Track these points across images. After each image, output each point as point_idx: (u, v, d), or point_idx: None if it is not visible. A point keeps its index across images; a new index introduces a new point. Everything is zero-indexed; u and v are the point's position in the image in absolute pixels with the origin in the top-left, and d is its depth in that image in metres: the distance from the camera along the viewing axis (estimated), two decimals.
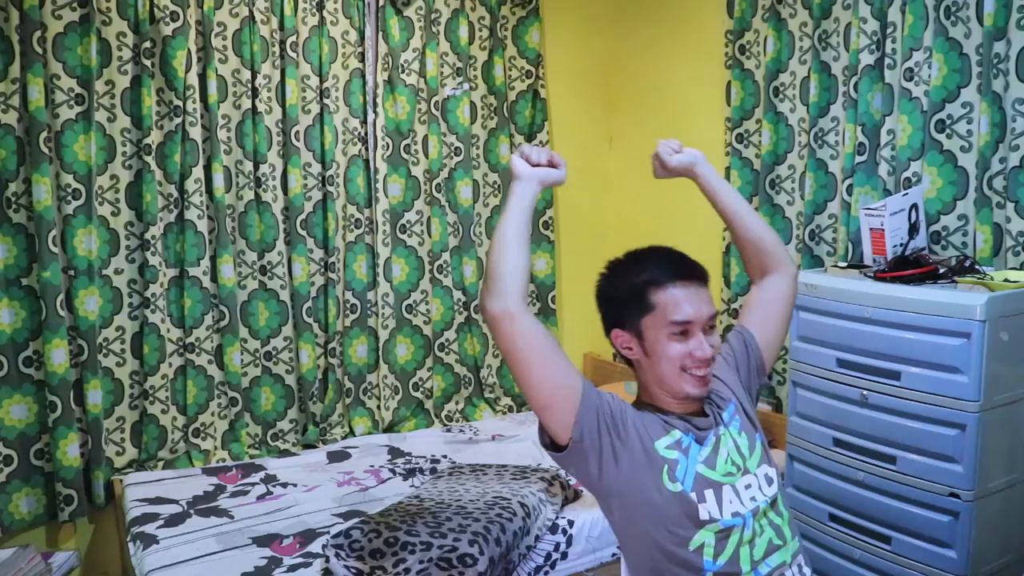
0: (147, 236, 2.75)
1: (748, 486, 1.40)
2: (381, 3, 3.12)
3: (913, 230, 2.22)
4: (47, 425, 2.61)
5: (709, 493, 1.36)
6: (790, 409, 2.43)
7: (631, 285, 1.43)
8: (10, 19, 2.48)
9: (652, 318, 1.39)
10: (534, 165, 1.46)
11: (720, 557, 1.34)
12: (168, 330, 2.85)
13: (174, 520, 2.35)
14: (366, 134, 3.16)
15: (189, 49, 2.75)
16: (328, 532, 2.25)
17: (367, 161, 3.17)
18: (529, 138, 3.50)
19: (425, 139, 3.25)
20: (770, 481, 1.43)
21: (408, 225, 3.25)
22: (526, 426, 3.22)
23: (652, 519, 1.36)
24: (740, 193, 1.66)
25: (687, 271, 1.43)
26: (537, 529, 2.26)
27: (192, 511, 2.42)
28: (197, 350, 2.88)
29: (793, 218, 2.80)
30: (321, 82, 3.03)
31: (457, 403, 3.42)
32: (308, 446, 3.09)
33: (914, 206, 2.22)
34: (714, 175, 1.66)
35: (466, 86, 3.31)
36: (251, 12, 2.87)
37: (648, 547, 1.37)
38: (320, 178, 3.07)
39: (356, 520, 2.21)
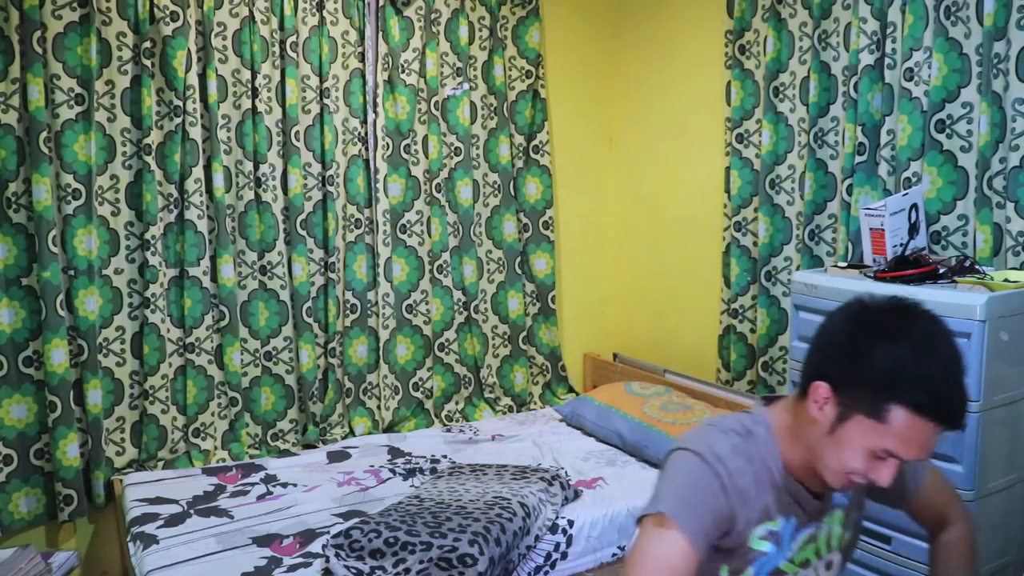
0: (147, 236, 2.75)
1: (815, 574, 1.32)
2: (381, 3, 3.12)
3: (913, 230, 2.22)
4: (47, 425, 2.61)
5: (789, 570, 1.29)
6: None
7: (887, 379, 1.10)
8: (10, 19, 2.48)
9: (873, 426, 1.12)
10: None
11: None
12: (168, 330, 2.85)
13: (174, 520, 2.35)
14: (366, 134, 3.16)
15: (189, 49, 2.75)
16: (328, 532, 2.25)
17: (367, 161, 3.17)
18: (529, 138, 3.51)
19: (425, 139, 3.25)
20: (829, 567, 1.34)
21: (408, 225, 3.26)
22: (526, 426, 3.23)
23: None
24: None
25: (949, 416, 1.12)
26: (537, 529, 2.26)
27: (192, 511, 2.42)
28: (197, 350, 2.88)
29: (793, 218, 2.80)
30: (321, 82, 3.03)
31: (457, 403, 3.42)
32: (308, 446, 3.09)
33: (914, 206, 2.22)
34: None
35: (466, 86, 3.31)
36: (251, 12, 2.87)
37: None
38: (320, 178, 3.07)
39: (356, 520, 2.21)
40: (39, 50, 2.52)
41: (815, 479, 1.25)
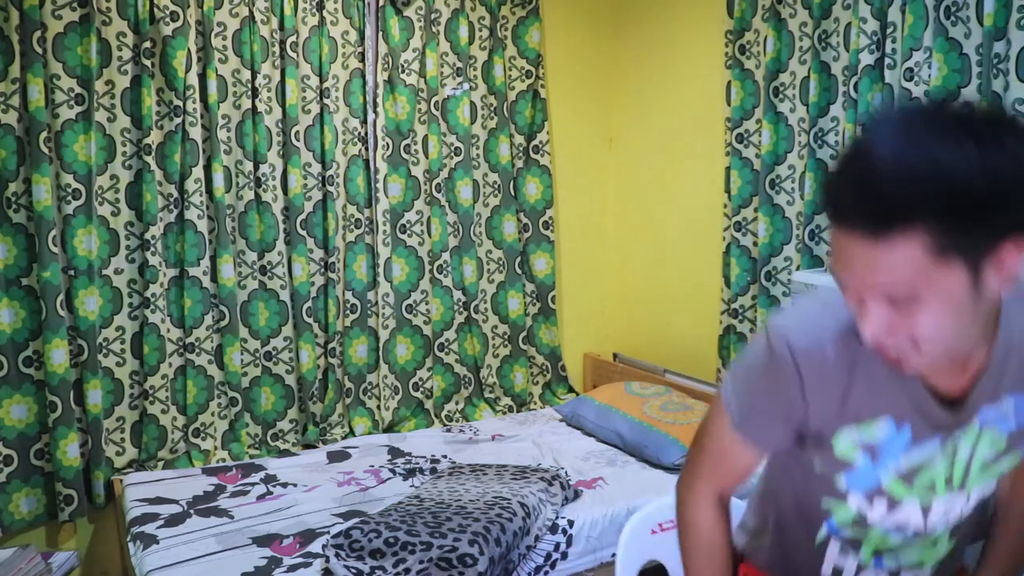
0: (147, 236, 2.75)
1: (952, 506, 1.09)
2: (381, 3, 3.12)
3: None
4: (47, 425, 2.61)
5: (879, 502, 1.08)
6: None
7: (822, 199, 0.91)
8: (10, 19, 2.48)
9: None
10: None
11: (849, 530, 1.13)
12: (168, 330, 2.85)
13: (174, 520, 2.35)
14: (366, 134, 3.16)
15: (189, 49, 2.75)
16: (328, 532, 2.25)
17: (367, 161, 3.17)
18: (529, 138, 3.51)
19: (425, 139, 3.25)
20: (981, 502, 1.13)
21: (408, 225, 3.26)
22: (526, 426, 3.23)
23: (795, 475, 1.16)
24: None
25: (835, 210, 0.87)
26: (537, 529, 2.26)
27: (192, 511, 2.42)
28: (197, 350, 2.88)
29: (793, 218, 2.80)
30: (321, 82, 3.03)
31: (457, 403, 3.42)
32: (308, 446, 3.10)
33: None
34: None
35: (466, 86, 3.31)
36: (251, 12, 2.87)
37: (782, 479, 1.20)
38: (320, 178, 3.07)
39: (356, 520, 2.21)
40: (39, 50, 2.52)
41: (947, 374, 0.99)
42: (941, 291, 0.84)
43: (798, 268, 2.74)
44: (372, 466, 2.78)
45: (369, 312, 3.21)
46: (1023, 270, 0.86)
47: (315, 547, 2.19)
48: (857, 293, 0.90)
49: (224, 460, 2.91)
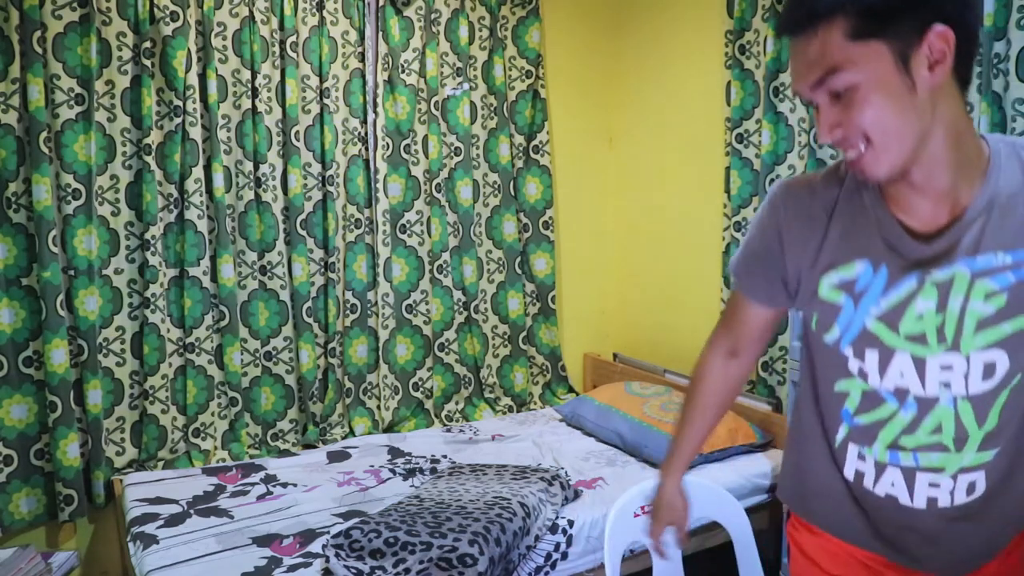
0: (147, 236, 2.75)
1: (947, 367, 1.04)
2: (381, 3, 3.12)
3: None
4: (47, 425, 2.61)
5: (872, 354, 1.08)
6: (790, 409, 2.43)
7: None
8: (10, 19, 2.48)
9: None
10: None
11: (863, 416, 1.12)
12: (168, 330, 2.85)
13: (174, 520, 2.35)
14: (366, 134, 3.16)
15: (189, 49, 2.75)
16: (328, 532, 2.25)
17: (367, 161, 3.17)
18: (529, 138, 3.51)
19: (425, 139, 3.25)
20: (991, 374, 1.04)
21: (408, 225, 3.26)
22: (526, 426, 3.23)
23: (813, 360, 1.19)
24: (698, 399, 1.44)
25: (787, 19, 1.00)
26: (537, 529, 2.26)
27: (192, 511, 2.42)
28: (197, 350, 2.88)
29: None
30: (321, 82, 3.03)
31: (457, 403, 3.42)
32: (308, 446, 3.10)
33: None
34: (691, 455, 1.45)
35: (466, 86, 3.31)
36: (251, 12, 2.87)
37: (808, 356, 1.22)
38: (320, 178, 3.07)
39: (356, 520, 2.21)
40: (39, 50, 2.52)
41: (920, 209, 1.03)
42: (870, 74, 0.94)
43: None
44: (372, 466, 2.78)
45: (369, 312, 3.22)
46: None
47: (315, 547, 2.18)
48: (808, 98, 1.00)
49: (224, 460, 2.91)
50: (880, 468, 1.13)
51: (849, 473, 1.18)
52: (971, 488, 1.09)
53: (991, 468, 1.08)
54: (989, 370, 1.03)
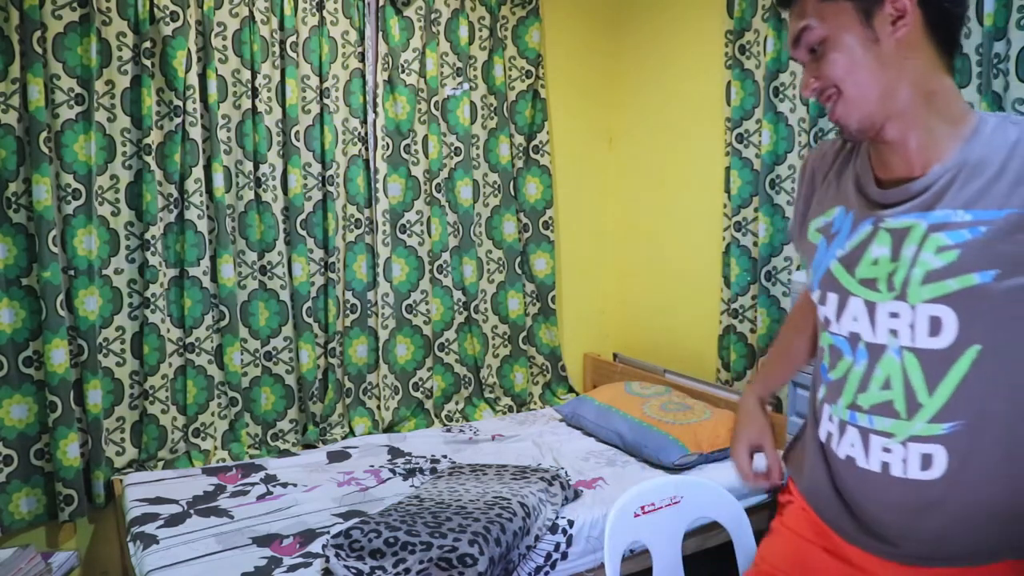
0: (147, 236, 2.75)
1: (894, 315, 1.05)
2: (381, 3, 3.12)
3: None
4: (47, 425, 2.61)
5: (832, 298, 1.13)
6: (790, 409, 2.43)
7: None
8: (10, 19, 2.48)
9: None
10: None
11: (832, 372, 1.16)
12: (168, 330, 2.85)
13: (174, 520, 2.35)
14: (366, 134, 3.16)
15: (189, 49, 2.75)
16: (328, 532, 2.25)
17: (367, 161, 3.17)
18: (529, 138, 3.51)
19: (425, 139, 3.25)
20: (936, 330, 1.02)
21: (408, 225, 3.26)
22: (526, 426, 3.23)
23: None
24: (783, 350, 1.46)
25: None
26: (537, 529, 2.26)
27: (192, 511, 2.42)
28: (197, 350, 2.88)
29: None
30: (321, 82, 3.03)
31: (457, 403, 3.42)
32: (308, 446, 3.10)
33: None
34: (777, 376, 1.47)
35: (466, 86, 3.31)
36: (251, 12, 2.87)
37: None
38: (320, 178, 3.07)
39: (356, 520, 2.21)
40: (39, 50, 2.52)
41: (894, 165, 1.09)
42: (837, 28, 1.03)
43: (798, 268, 2.74)
44: (372, 466, 2.78)
45: (369, 312, 3.22)
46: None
47: (315, 547, 2.19)
48: (795, 58, 1.11)
49: (224, 460, 2.91)
50: (842, 428, 1.15)
51: (823, 434, 1.20)
52: (927, 462, 1.06)
53: (953, 448, 1.05)
54: (935, 325, 1.03)
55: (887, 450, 1.09)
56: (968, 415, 1.04)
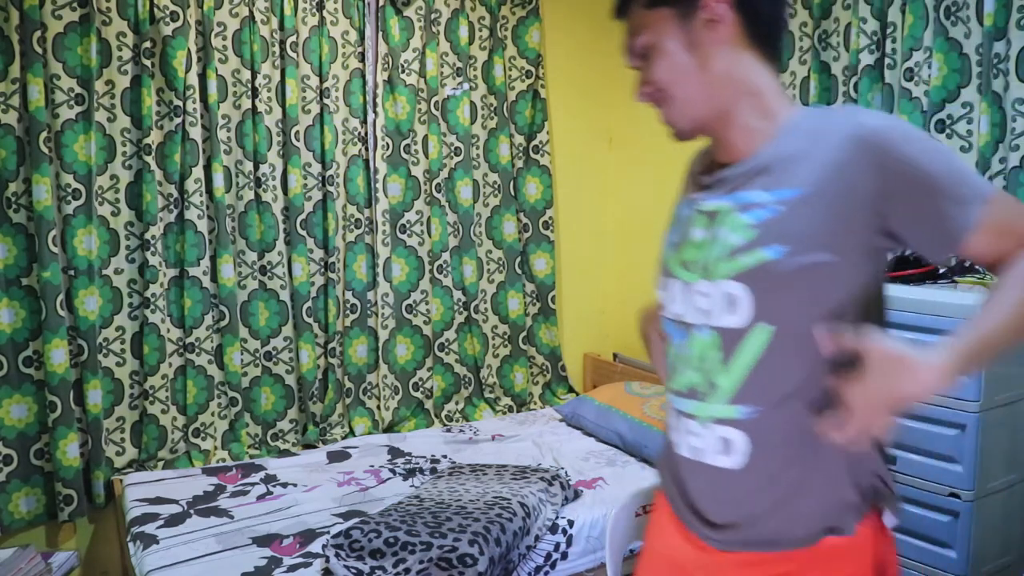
0: (147, 236, 2.75)
1: (704, 294, 1.08)
2: (381, 3, 3.12)
3: None
4: (47, 425, 2.61)
5: (664, 282, 1.17)
6: None
7: None
8: (10, 19, 2.48)
9: None
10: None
11: (669, 357, 1.20)
12: (168, 330, 2.85)
13: (174, 520, 2.35)
14: (366, 134, 3.16)
15: (189, 49, 2.75)
16: (328, 532, 2.25)
17: (367, 161, 3.17)
18: (529, 138, 3.50)
19: (425, 139, 3.25)
20: (732, 307, 1.05)
21: (408, 225, 3.26)
22: (526, 426, 3.23)
23: None
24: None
25: (617, 10, 1.16)
26: (537, 529, 2.26)
27: (192, 511, 2.42)
28: (197, 350, 2.88)
29: None
30: (321, 82, 3.03)
31: (457, 403, 3.42)
32: (308, 446, 3.09)
33: None
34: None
35: (466, 86, 3.31)
36: (251, 12, 2.87)
37: None
38: (320, 178, 3.07)
39: (356, 520, 2.21)
40: (39, 50, 2.52)
41: (715, 148, 1.16)
42: (658, 34, 1.08)
43: None
44: (372, 466, 2.78)
45: (369, 312, 3.21)
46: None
47: (315, 547, 2.19)
48: (630, 65, 1.15)
49: (224, 460, 2.91)
50: (669, 412, 1.19)
51: (666, 423, 1.22)
52: (726, 447, 1.08)
53: (754, 433, 1.06)
54: (732, 303, 1.05)
55: (693, 434, 1.11)
56: (765, 401, 1.05)
